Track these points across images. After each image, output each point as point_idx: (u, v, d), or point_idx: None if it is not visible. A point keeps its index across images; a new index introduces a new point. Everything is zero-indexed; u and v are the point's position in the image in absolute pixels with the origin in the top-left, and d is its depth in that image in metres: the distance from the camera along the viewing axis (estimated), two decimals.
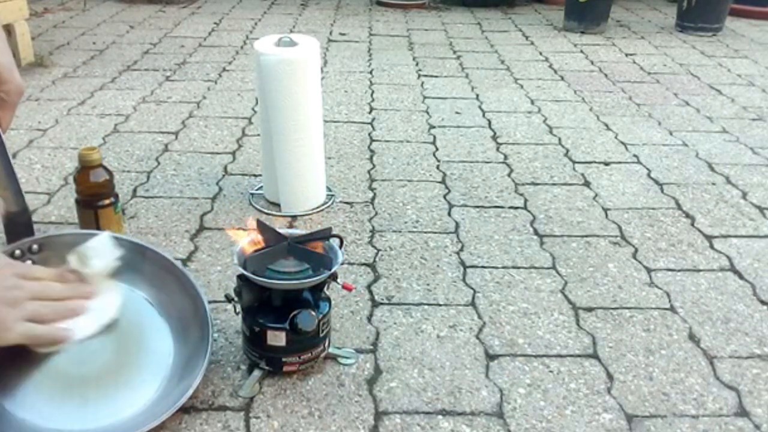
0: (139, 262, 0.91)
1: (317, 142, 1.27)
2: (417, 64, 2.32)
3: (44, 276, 0.79)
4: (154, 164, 1.48)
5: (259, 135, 1.35)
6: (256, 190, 1.36)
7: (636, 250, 1.20)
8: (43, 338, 0.75)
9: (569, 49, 2.59)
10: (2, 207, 0.87)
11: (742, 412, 0.84)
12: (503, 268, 1.14)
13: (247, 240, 0.87)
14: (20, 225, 0.88)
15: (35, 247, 0.87)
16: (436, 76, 2.19)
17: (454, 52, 2.51)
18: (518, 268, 1.14)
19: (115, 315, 0.81)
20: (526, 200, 1.37)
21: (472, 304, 1.04)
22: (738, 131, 1.79)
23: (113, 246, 0.84)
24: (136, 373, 0.82)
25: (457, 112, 1.86)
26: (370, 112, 1.84)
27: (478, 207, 1.34)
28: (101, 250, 0.82)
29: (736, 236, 1.26)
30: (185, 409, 0.79)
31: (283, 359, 0.84)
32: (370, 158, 1.55)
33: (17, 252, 0.86)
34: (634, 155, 1.62)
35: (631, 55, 2.53)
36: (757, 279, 1.13)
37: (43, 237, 0.89)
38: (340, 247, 0.87)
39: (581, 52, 2.56)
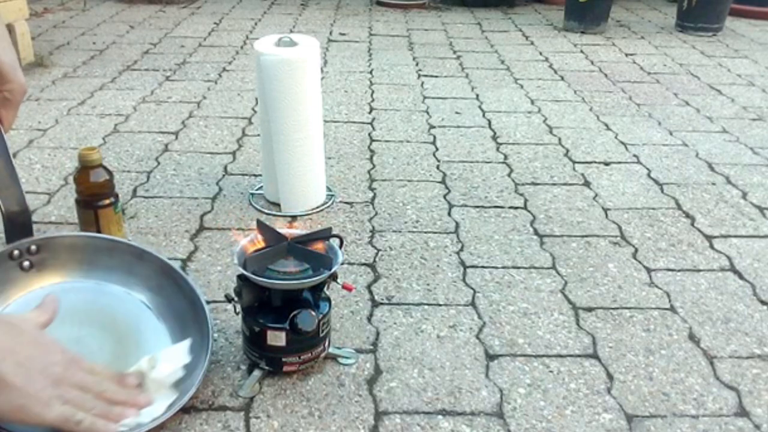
0: (137, 266, 0.91)
1: (317, 142, 1.27)
2: (417, 64, 2.32)
3: (101, 373, 0.75)
4: (154, 164, 1.48)
5: (259, 135, 1.35)
6: (256, 190, 1.36)
7: (636, 250, 1.20)
8: (83, 426, 0.69)
9: (569, 49, 2.59)
10: (2, 206, 0.87)
11: (742, 412, 0.84)
12: (503, 268, 1.14)
13: (248, 240, 0.87)
14: (20, 225, 0.88)
15: (33, 248, 0.87)
16: (436, 76, 2.19)
17: (454, 52, 2.51)
18: (518, 268, 1.14)
19: (159, 416, 0.75)
20: (526, 200, 1.37)
21: (472, 304, 1.04)
22: (738, 131, 1.79)
23: (187, 353, 0.81)
24: None
25: (457, 112, 1.86)
26: (370, 112, 1.84)
27: (478, 207, 1.34)
28: (175, 356, 0.80)
29: (736, 236, 1.26)
30: (185, 410, 0.79)
31: (283, 359, 0.84)
32: (370, 158, 1.55)
33: (15, 252, 0.86)
34: (634, 155, 1.62)
35: (631, 55, 2.53)
36: (757, 279, 1.13)
37: (42, 238, 0.89)
38: (340, 247, 0.87)
39: (581, 52, 2.56)
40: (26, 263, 0.87)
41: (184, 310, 0.87)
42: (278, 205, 1.30)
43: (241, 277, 0.83)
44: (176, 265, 0.93)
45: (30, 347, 0.69)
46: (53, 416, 0.67)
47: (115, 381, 0.76)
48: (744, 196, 1.43)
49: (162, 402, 0.77)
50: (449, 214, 1.31)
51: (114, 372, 0.77)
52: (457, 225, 1.27)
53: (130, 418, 0.73)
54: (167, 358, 0.79)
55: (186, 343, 0.82)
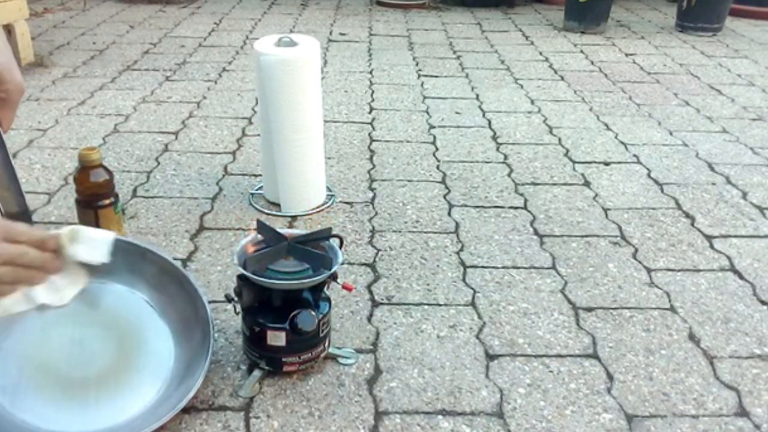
0: (140, 264, 0.91)
1: (317, 142, 1.27)
2: (417, 64, 2.32)
3: (25, 240, 0.77)
4: (154, 164, 1.48)
5: (259, 135, 1.35)
6: (256, 190, 1.36)
7: (636, 250, 1.20)
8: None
9: (569, 49, 2.59)
10: (2, 208, 0.87)
11: (742, 412, 0.84)
12: (503, 268, 1.14)
13: (249, 240, 0.87)
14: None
15: None
16: (436, 76, 2.19)
17: (454, 52, 2.51)
18: (518, 268, 1.14)
19: (68, 298, 0.77)
20: (526, 200, 1.37)
21: (472, 304, 1.04)
22: (738, 131, 1.79)
23: (108, 250, 0.80)
24: (136, 375, 0.82)
25: (457, 112, 1.86)
26: (370, 112, 1.84)
27: (478, 207, 1.34)
28: (96, 244, 0.79)
29: (736, 236, 1.26)
30: (185, 409, 0.79)
31: (283, 359, 0.84)
32: (370, 158, 1.55)
33: None
34: (634, 155, 1.62)
35: (631, 55, 2.53)
36: (757, 279, 1.13)
37: None
38: (340, 247, 0.87)
39: (581, 52, 2.56)
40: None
41: (186, 309, 0.87)
42: (278, 205, 1.30)
43: (241, 277, 0.83)
44: (178, 263, 0.93)
45: None
46: None
47: (37, 245, 0.77)
48: (744, 196, 1.43)
49: (69, 277, 0.78)
50: (449, 214, 1.31)
51: (36, 234, 0.77)
52: (457, 225, 1.27)
53: (39, 283, 0.75)
54: (88, 242, 0.78)
55: (111, 235, 0.80)
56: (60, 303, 0.77)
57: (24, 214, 0.88)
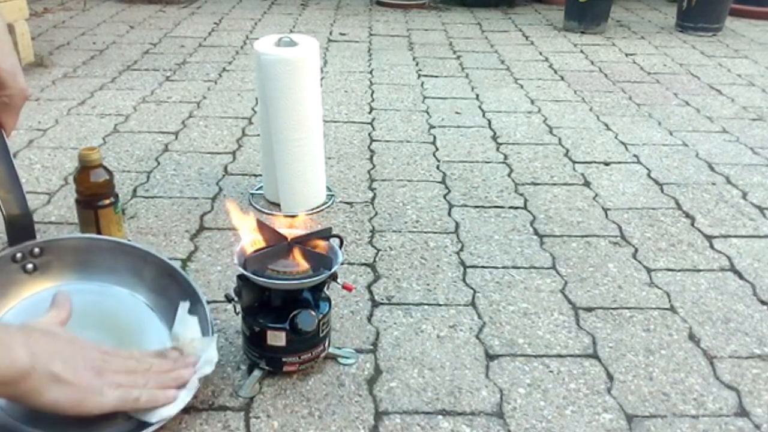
0: (140, 267, 0.91)
1: (317, 142, 1.27)
2: (417, 64, 2.32)
3: (141, 356, 0.79)
4: (154, 164, 1.48)
5: (259, 135, 1.35)
6: (256, 190, 1.36)
7: (636, 250, 1.20)
8: (144, 401, 0.74)
9: (569, 49, 2.59)
10: (3, 210, 0.87)
11: (742, 412, 0.84)
12: (503, 268, 1.14)
13: (248, 240, 0.87)
14: (22, 228, 0.88)
15: (36, 250, 0.87)
16: (436, 76, 2.19)
17: (454, 52, 2.51)
18: (518, 268, 1.14)
19: (213, 364, 0.81)
20: (526, 200, 1.37)
21: (472, 304, 1.04)
22: (738, 131, 1.79)
23: (188, 309, 0.85)
24: None
25: (457, 112, 1.86)
26: (370, 112, 1.84)
27: (478, 207, 1.34)
28: (185, 323, 0.84)
29: (736, 236, 1.26)
30: (185, 409, 0.78)
31: (283, 359, 0.84)
32: (370, 158, 1.55)
33: (18, 255, 0.86)
34: (634, 155, 1.62)
35: (631, 55, 2.53)
36: (757, 279, 1.13)
37: (45, 241, 0.89)
38: (340, 247, 0.87)
39: (581, 52, 2.56)
40: (29, 266, 0.87)
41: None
42: (278, 205, 1.30)
43: (241, 277, 0.83)
44: (177, 265, 0.93)
45: (68, 346, 0.72)
46: (111, 402, 0.71)
47: (157, 357, 0.80)
48: (744, 196, 1.43)
49: (207, 355, 0.81)
50: (449, 214, 1.31)
51: (152, 351, 0.81)
52: (457, 225, 1.27)
53: (188, 378, 0.78)
54: (182, 328, 0.82)
55: (184, 305, 0.84)
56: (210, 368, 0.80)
57: (25, 216, 0.88)
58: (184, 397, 0.77)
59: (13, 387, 0.66)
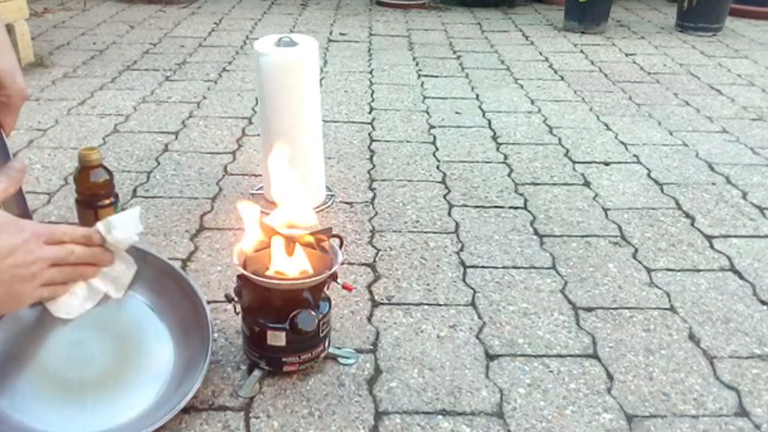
0: (140, 267, 0.91)
1: (317, 142, 1.27)
2: (417, 64, 2.32)
3: (69, 238, 0.80)
4: (154, 164, 1.48)
5: (259, 135, 1.35)
6: (256, 190, 1.36)
7: (636, 250, 1.20)
8: (45, 297, 0.78)
9: (569, 49, 2.59)
10: (3, 209, 0.87)
11: (742, 412, 0.84)
12: (503, 268, 1.14)
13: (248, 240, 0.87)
14: None
15: None
16: (436, 76, 2.19)
17: (454, 52, 2.51)
18: (518, 268, 1.14)
19: (125, 285, 0.83)
20: (526, 200, 1.37)
21: (472, 304, 1.04)
22: (738, 131, 1.79)
23: (138, 221, 0.84)
24: (135, 378, 0.82)
25: (457, 112, 1.86)
26: (370, 112, 1.84)
27: (478, 207, 1.34)
28: (127, 223, 0.83)
29: (736, 236, 1.26)
30: (185, 410, 0.79)
31: (283, 359, 0.84)
32: (370, 158, 1.55)
33: None
34: (634, 155, 1.62)
35: (631, 55, 2.53)
36: (757, 279, 1.13)
37: None
38: (340, 247, 0.87)
39: (581, 52, 2.56)
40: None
41: (185, 311, 0.87)
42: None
43: (241, 277, 0.83)
44: (176, 265, 0.93)
45: (7, 256, 0.72)
46: (29, 303, 0.75)
47: (82, 241, 0.80)
48: (744, 196, 1.43)
49: (122, 264, 0.83)
50: (449, 214, 1.31)
51: (80, 231, 0.81)
52: (457, 225, 1.27)
53: (91, 275, 0.81)
54: (121, 225, 0.82)
55: (136, 208, 0.84)
56: (121, 292, 0.83)
57: (25, 216, 0.88)
58: (79, 306, 0.80)
59: None
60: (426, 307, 1.02)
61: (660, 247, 1.21)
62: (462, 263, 1.14)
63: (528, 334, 0.97)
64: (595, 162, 1.57)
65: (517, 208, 1.34)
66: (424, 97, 1.98)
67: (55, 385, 0.79)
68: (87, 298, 0.81)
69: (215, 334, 0.93)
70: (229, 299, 0.85)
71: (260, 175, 1.39)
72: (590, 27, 2.84)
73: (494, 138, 1.69)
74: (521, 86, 2.11)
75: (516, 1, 3.44)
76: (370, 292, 1.05)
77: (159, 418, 0.75)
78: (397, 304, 1.03)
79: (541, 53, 2.52)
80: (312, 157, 1.27)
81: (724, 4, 2.85)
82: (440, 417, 0.81)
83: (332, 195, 1.36)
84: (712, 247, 1.22)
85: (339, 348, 0.91)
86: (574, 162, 1.57)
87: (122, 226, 0.82)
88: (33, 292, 0.75)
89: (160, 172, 1.44)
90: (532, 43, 2.66)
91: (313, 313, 0.82)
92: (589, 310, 1.03)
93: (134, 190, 1.36)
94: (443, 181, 1.44)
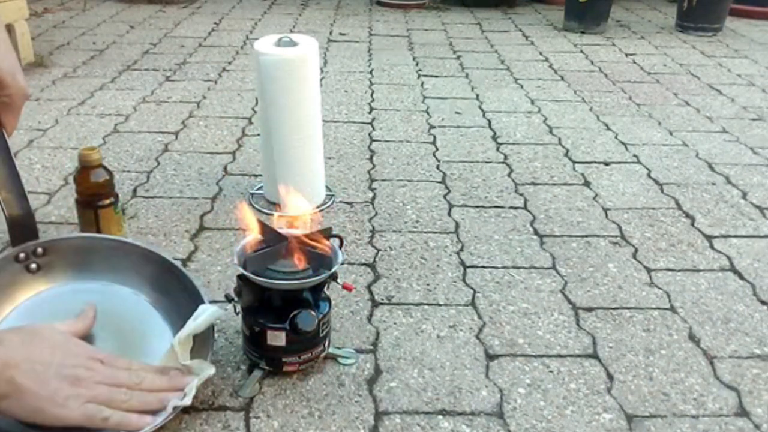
0: (143, 266, 0.91)
1: (317, 142, 1.27)
2: (417, 64, 2.32)
3: (141, 368, 0.77)
4: (154, 164, 1.48)
5: (259, 135, 1.35)
6: (256, 190, 1.36)
7: (636, 250, 1.20)
8: (112, 422, 0.71)
9: (569, 49, 2.59)
10: (5, 210, 0.87)
11: (742, 412, 0.84)
12: (503, 268, 1.14)
13: (248, 240, 0.87)
14: (24, 228, 0.88)
15: (40, 250, 0.87)
16: (436, 76, 2.19)
17: (454, 52, 2.51)
18: (518, 268, 1.14)
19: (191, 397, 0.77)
20: (526, 200, 1.37)
21: (472, 304, 1.04)
22: (738, 131, 1.79)
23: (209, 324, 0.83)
24: None
25: (457, 112, 1.86)
26: (370, 112, 1.84)
27: (478, 207, 1.34)
28: (187, 336, 0.81)
29: (736, 236, 1.26)
30: (185, 410, 0.78)
31: (283, 359, 0.84)
32: (370, 158, 1.55)
33: (21, 255, 0.86)
34: (634, 155, 1.62)
35: (631, 55, 2.53)
36: (757, 279, 1.13)
37: (48, 240, 0.89)
38: (340, 247, 0.87)
39: (581, 52, 2.56)
40: (33, 265, 0.87)
41: (188, 310, 0.87)
42: (278, 205, 1.30)
43: (241, 277, 0.83)
44: (179, 264, 0.93)
45: (47, 352, 0.71)
46: (74, 416, 0.69)
47: (155, 372, 0.78)
48: (744, 196, 1.43)
49: (204, 369, 0.79)
50: (449, 214, 1.31)
51: (156, 366, 0.79)
52: (457, 225, 1.27)
53: (173, 401, 0.74)
54: (182, 342, 0.80)
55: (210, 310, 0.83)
56: (189, 400, 0.76)
57: (27, 216, 0.88)
58: (151, 423, 0.73)
59: None
60: (426, 307, 1.02)
61: (660, 247, 1.21)
62: (462, 263, 1.14)
63: (528, 334, 0.97)
64: (595, 162, 1.57)
65: (517, 208, 1.34)
66: (424, 97, 1.98)
67: None
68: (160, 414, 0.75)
69: (215, 334, 0.93)
70: (229, 299, 0.85)
71: (260, 175, 1.39)
72: (590, 27, 2.84)
73: (494, 138, 1.69)
74: (521, 86, 2.11)
75: (516, 1, 3.44)
76: (370, 292, 1.05)
77: (160, 416, 0.75)
78: (397, 304, 1.03)
79: (541, 53, 2.52)
80: (312, 157, 1.27)
81: (724, 4, 2.85)
82: (440, 417, 0.81)
83: (332, 195, 1.36)
84: (712, 247, 1.22)
85: (339, 348, 0.91)
86: (574, 162, 1.57)
87: (184, 342, 0.80)
88: (73, 402, 0.69)
89: (160, 172, 1.44)
90: (532, 43, 2.66)
91: (313, 313, 0.82)
92: (589, 310, 1.03)
93: (134, 190, 1.36)
94: (443, 181, 1.44)
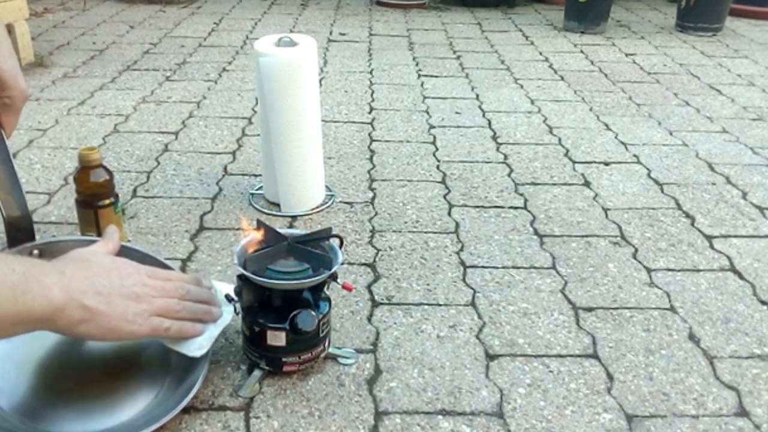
0: None
1: (316, 141, 1.27)
2: (417, 64, 2.32)
3: (179, 278, 0.82)
4: (154, 164, 1.48)
5: (259, 135, 1.35)
6: (256, 190, 1.36)
7: (636, 250, 1.20)
8: (173, 332, 0.77)
9: (569, 49, 2.59)
10: (3, 211, 0.87)
11: (742, 412, 0.84)
12: (503, 268, 1.13)
13: (248, 239, 0.87)
14: (21, 229, 0.88)
15: (36, 252, 0.87)
16: (436, 76, 2.19)
17: (454, 52, 2.51)
18: (518, 268, 1.14)
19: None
20: (526, 200, 1.37)
21: (472, 304, 1.04)
22: (738, 131, 1.79)
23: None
24: (135, 377, 0.82)
25: (457, 112, 1.86)
26: (370, 112, 1.84)
27: (478, 207, 1.34)
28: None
29: (736, 236, 1.26)
30: (185, 410, 0.78)
31: (283, 359, 0.84)
32: (370, 158, 1.55)
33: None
34: (634, 155, 1.62)
35: (631, 55, 2.53)
36: (757, 279, 1.13)
37: (45, 243, 0.89)
38: (340, 247, 0.87)
39: (581, 52, 2.56)
40: None
41: None
42: (278, 205, 1.30)
43: (241, 277, 0.83)
44: (176, 266, 0.93)
45: (104, 276, 0.74)
46: (144, 331, 0.74)
47: (194, 282, 0.82)
48: (744, 196, 1.43)
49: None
50: (449, 214, 1.31)
51: (189, 276, 0.84)
52: (457, 225, 1.27)
53: (217, 316, 0.82)
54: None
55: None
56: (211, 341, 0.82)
57: (25, 217, 0.88)
58: (213, 331, 0.80)
59: (48, 323, 0.68)
60: (426, 307, 1.02)
61: (660, 247, 1.21)
62: (462, 263, 1.14)
63: (528, 334, 0.97)
64: (595, 162, 1.57)
65: (517, 208, 1.34)
66: (424, 97, 1.98)
67: (56, 385, 0.79)
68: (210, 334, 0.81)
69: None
70: (229, 299, 0.85)
71: (260, 175, 1.39)
72: (590, 27, 2.84)
73: (494, 138, 1.69)
74: (521, 86, 2.11)
75: (516, 1, 3.44)
76: (370, 292, 1.05)
77: (159, 417, 0.75)
78: (397, 304, 1.03)
79: (541, 53, 2.52)
80: (312, 157, 1.27)
81: (724, 4, 2.85)
82: (440, 417, 0.81)
83: (332, 195, 1.36)
84: (712, 247, 1.22)
85: (339, 348, 0.91)
86: (574, 162, 1.57)
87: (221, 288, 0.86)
88: (140, 317, 0.74)
89: (160, 172, 1.44)
90: (532, 43, 2.66)
91: (313, 313, 0.82)
92: (589, 310, 1.03)
93: (134, 190, 1.36)
94: (443, 181, 1.44)
